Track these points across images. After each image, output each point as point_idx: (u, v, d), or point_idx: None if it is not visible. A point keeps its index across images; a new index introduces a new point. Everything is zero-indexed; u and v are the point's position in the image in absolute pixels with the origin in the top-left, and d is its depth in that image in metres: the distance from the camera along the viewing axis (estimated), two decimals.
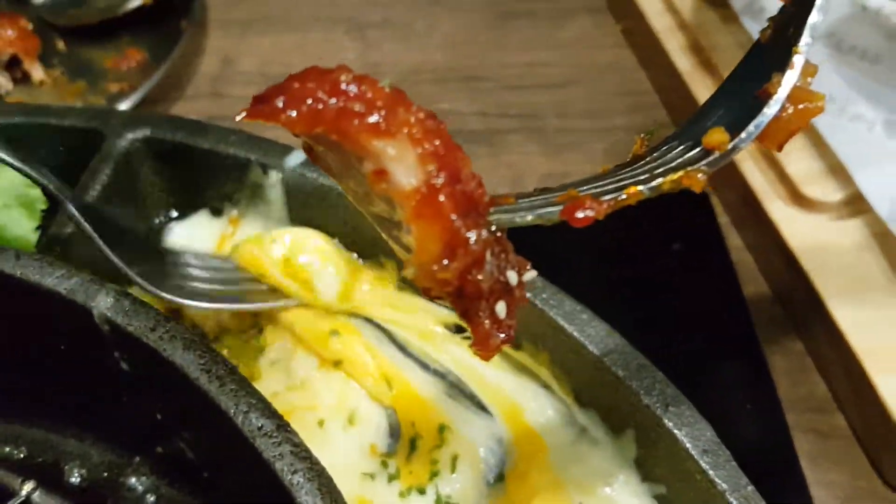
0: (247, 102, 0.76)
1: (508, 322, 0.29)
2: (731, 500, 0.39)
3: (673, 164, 0.31)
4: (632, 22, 0.79)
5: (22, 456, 0.46)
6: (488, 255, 0.28)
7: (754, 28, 0.71)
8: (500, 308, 0.29)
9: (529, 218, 0.29)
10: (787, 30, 0.33)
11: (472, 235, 0.27)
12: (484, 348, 0.29)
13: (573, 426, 0.47)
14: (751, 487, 0.40)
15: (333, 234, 0.55)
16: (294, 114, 0.26)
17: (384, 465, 0.46)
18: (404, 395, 0.49)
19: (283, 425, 0.33)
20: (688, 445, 0.41)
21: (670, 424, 0.41)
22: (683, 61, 0.73)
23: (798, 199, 0.62)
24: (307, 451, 0.32)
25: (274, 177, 0.53)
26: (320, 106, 0.26)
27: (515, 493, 0.45)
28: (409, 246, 0.27)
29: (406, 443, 0.47)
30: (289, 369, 0.50)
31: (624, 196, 0.30)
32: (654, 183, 0.30)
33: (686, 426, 0.41)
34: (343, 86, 0.26)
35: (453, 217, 0.27)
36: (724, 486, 0.39)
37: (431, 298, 0.30)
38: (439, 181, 0.27)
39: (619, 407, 0.44)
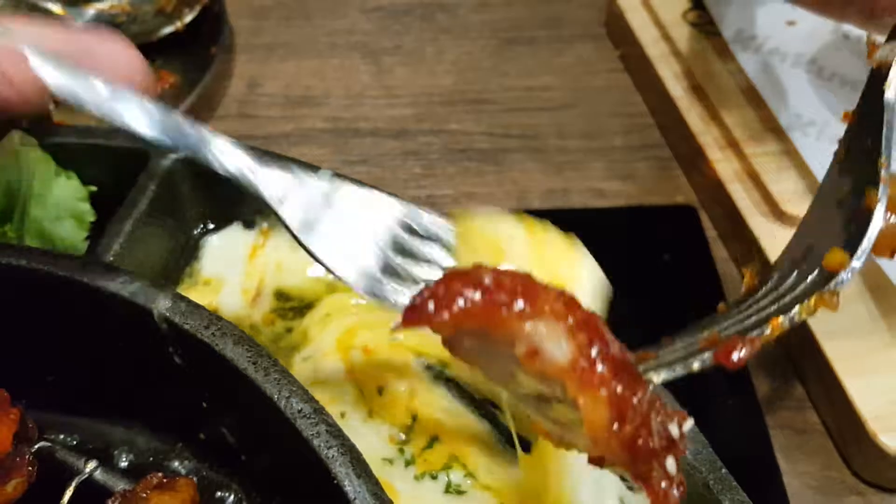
0: (271, 121, 0.83)
1: (680, 476, 0.30)
2: (708, 480, 0.45)
3: (798, 292, 0.34)
4: (629, 49, 0.85)
5: (74, 443, 0.52)
6: (653, 414, 0.29)
7: (743, 56, 0.77)
8: (671, 464, 0.30)
9: (694, 367, 0.32)
10: (864, 144, 0.36)
11: (636, 397, 0.28)
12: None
13: None
14: (724, 470, 0.45)
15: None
16: (446, 315, 0.27)
17: (401, 451, 0.52)
18: (430, 418, 0.54)
19: (319, 409, 0.39)
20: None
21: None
22: (676, 87, 0.78)
23: (780, 215, 0.67)
24: (340, 430, 0.38)
25: None
26: (469, 304, 0.27)
27: None
28: (559, 419, 0.29)
29: (426, 437, 0.53)
30: (317, 368, 0.56)
31: (769, 331, 0.33)
32: (793, 312, 0.33)
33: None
34: (485, 280, 0.27)
35: (615, 382, 0.28)
36: (702, 468, 0.45)
37: (602, 467, 0.31)
38: (594, 351, 0.28)
39: None
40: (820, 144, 0.70)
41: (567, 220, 0.74)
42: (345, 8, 0.90)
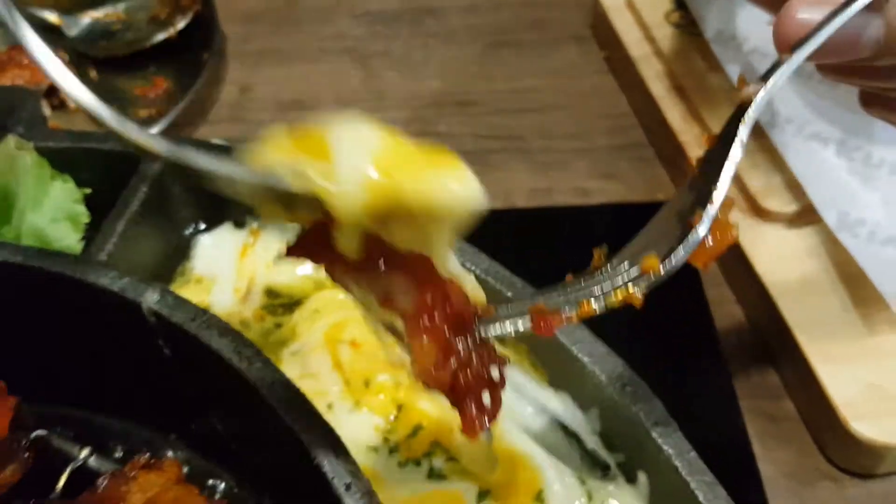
0: (263, 125, 0.84)
1: (493, 408, 0.36)
2: (676, 463, 0.46)
3: (618, 282, 0.38)
4: (613, 50, 0.87)
5: (70, 435, 0.53)
6: (474, 358, 0.35)
7: (724, 56, 0.78)
8: (486, 397, 0.36)
9: (514, 328, 0.37)
10: (710, 168, 0.38)
11: (461, 345, 0.35)
12: (470, 433, 0.36)
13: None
14: (693, 454, 0.47)
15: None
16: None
17: (386, 440, 0.53)
18: (414, 408, 0.56)
19: (300, 396, 0.40)
20: (641, 418, 0.48)
21: (627, 401, 0.49)
22: (658, 87, 0.80)
23: (757, 210, 0.69)
24: (319, 415, 0.40)
25: None
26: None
27: None
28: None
29: (410, 426, 0.54)
30: (305, 361, 0.57)
31: (577, 311, 0.37)
32: (602, 302, 0.37)
33: (641, 402, 0.49)
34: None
35: (445, 333, 0.35)
36: (671, 451, 0.47)
37: (428, 389, 0.37)
38: (431, 305, 0.34)
39: (585, 387, 0.51)
40: (797, 141, 0.71)
41: (551, 219, 0.77)
42: (334, 14, 0.92)
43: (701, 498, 0.46)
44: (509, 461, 0.49)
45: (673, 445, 0.47)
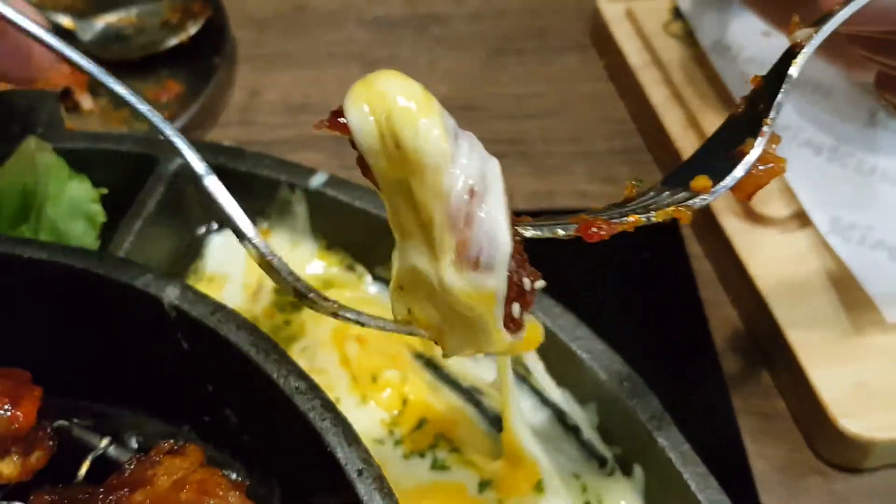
0: (272, 128, 0.86)
1: (521, 320, 0.35)
2: (670, 455, 0.49)
3: (665, 202, 0.38)
4: (612, 58, 0.89)
5: (89, 425, 0.56)
6: (511, 261, 0.34)
7: (720, 64, 0.81)
8: (516, 309, 0.35)
9: (558, 232, 0.36)
10: (758, 105, 0.40)
11: None
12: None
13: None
14: (687, 446, 0.49)
15: (349, 246, 0.65)
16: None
17: (391, 433, 0.56)
18: (419, 402, 0.58)
19: (314, 386, 0.42)
20: (637, 413, 0.50)
21: (624, 395, 0.51)
22: (656, 94, 0.82)
23: (751, 215, 0.71)
24: (333, 404, 0.42)
25: (299, 194, 0.63)
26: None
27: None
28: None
29: (414, 419, 0.57)
30: (313, 357, 0.60)
31: (630, 219, 0.36)
32: (651, 213, 0.36)
33: (637, 397, 0.51)
34: None
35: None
36: (665, 444, 0.49)
37: None
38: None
39: (584, 382, 0.53)
40: (791, 148, 0.74)
41: None
42: (342, 20, 0.94)
43: (693, 488, 0.48)
44: (510, 452, 0.51)
45: (667, 438, 0.49)
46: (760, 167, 0.38)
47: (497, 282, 0.33)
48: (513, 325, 0.35)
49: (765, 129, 0.39)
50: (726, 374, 0.65)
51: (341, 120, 0.34)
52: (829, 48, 0.48)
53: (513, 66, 0.90)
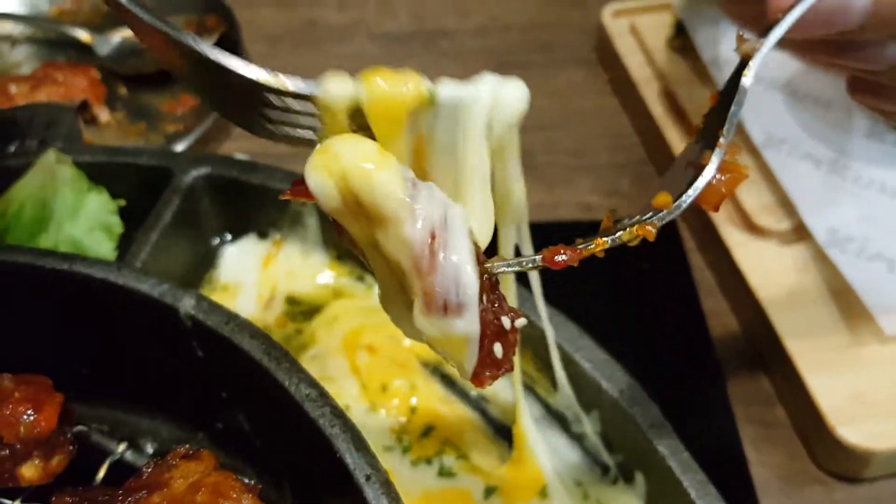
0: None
1: (506, 363, 0.35)
2: (670, 463, 0.50)
3: (626, 223, 0.39)
4: (616, 73, 0.91)
5: (106, 431, 0.57)
6: (483, 299, 0.34)
7: (720, 77, 0.82)
8: (497, 349, 0.35)
9: (527, 265, 0.37)
10: (717, 117, 0.42)
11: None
12: (477, 382, 0.35)
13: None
14: (686, 454, 0.50)
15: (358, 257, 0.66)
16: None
17: (399, 440, 0.57)
18: (427, 410, 0.60)
19: (324, 393, 0.44)
20: (639, 421, 0.52)
21: (625, 404, 0.52)
22: (658, 108, 0.84)
23: (751, 227, 0.73)
24: (342, 411, 0.43)
25: (311, 207, 0.65)
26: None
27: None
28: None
29: (422, 427, 0.58)
30: (324, 365, 0.61)
31: (592, 245, 0.37)
32: (616, 235, 0.38)
33: (637, 405, 0.52)
34: None
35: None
36: (665, 452, 0.50)
37: None
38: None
39: (586, 391, 0.55)
40: (791, 161, 0.75)
41: (556, 232, 0.81)
42: (352, 35, 0.96)
43: (693, 496, 0.49)
44: (516, 459, 0.53)
45: (667, 446, 0.51)
46: (721, 177, 0.39)
47: (466, 325, 0.33)
48: (492, 364, 0.35)
49: (721, 140, 0.40)
50: (727, 382, 0.66)
51: (306, 186, 0.34)
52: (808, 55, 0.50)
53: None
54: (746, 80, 0.42)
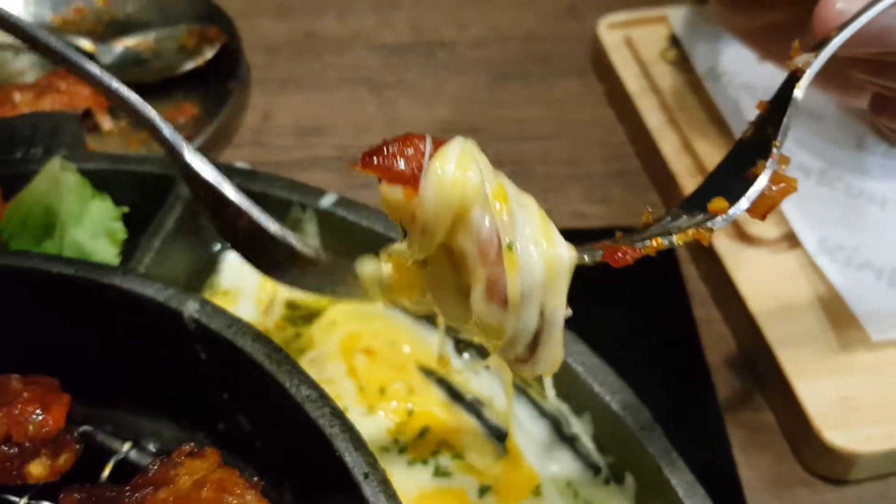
0: (283, 150, 0.90)
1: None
2: (659, 464, 0.51)
3: (685, 225, 0.40)
4: (611, 84, 0.92)
5: (110, 431, 0.59)
6: None
7: (715, 90, 0.84)
8: None
9: (585, 258, 0.38)
10: (766, 129, 0.43)
11: None
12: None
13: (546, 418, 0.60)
14: (675, 455, 0.52)
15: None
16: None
17: (396, 441, 0.59)
18: (424, 413, 0.61)
19: (324, 395, 0.45)
20: (629, 423, 0.53)
21: (616, 408, 0.54)
22: (653, 119, 0.85)
23: (742, 236, 0.74)
24: (341, 412, 0.45)
25: (310, 214, 0.66)
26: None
27: None
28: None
29: (418, 428, 0.59)
30: (322, 368, 0.63)
31: (651, 243, 0.38)
32: (672, 236, 0.38)
33: (628, 408, 0.54)
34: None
35: None
36: (654, 453, 0.52)
37: None
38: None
39: (579, 394, 0.56)
40: (782, 171, 0.76)
41: None
42: (352, 46, 0.98)
43: (681, 495, 0.51)
44: (510, 458, 0.54)
45: (657, 448, 0.52)
46: (773, 187, 0.41)
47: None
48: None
49: (774, 150, 0.41)
50: (718, 388, 0.68)
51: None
52: (823, 75, 0.51)
53: (515, 91, 0.94)
54: (799, 92, 0.43)
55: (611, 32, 0.93)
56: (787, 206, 0.73)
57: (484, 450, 0.57)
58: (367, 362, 0.62)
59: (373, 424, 0.59)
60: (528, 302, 0.35)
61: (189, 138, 0.83)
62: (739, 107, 0.83)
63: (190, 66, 0.91)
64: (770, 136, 0.42)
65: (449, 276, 0.38)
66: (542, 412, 0.60)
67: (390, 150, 0.35)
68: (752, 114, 0.81)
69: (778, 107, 0.44)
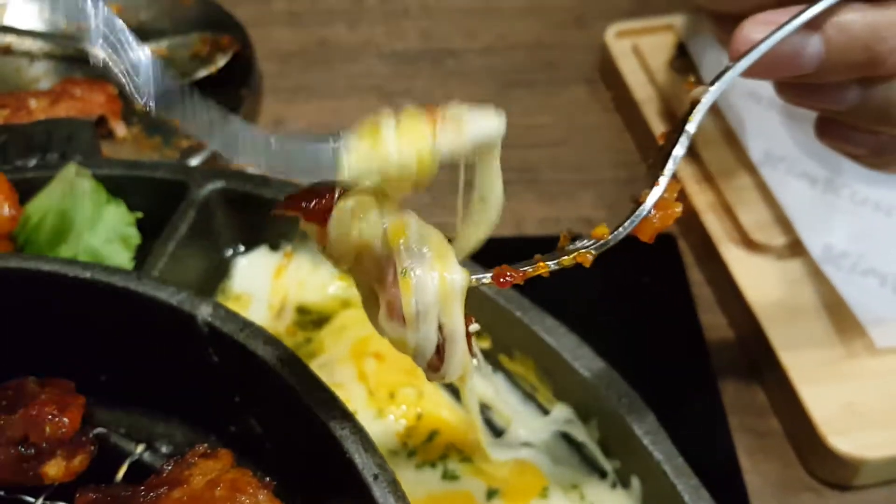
0: None
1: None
2: (665, 468, 0.52)
3: (569, 249, 0.43)
4: (619, 92, 0.93)
5: (123, 433, 0.59)
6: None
7: (720, 98, 0.84)
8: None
9: (477, 280, 0.41)
10: (662, 159, 0.45)
11: None
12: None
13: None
14: (680, 460, 0.52)
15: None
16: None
17: (405, 444, 0.59)
18: (432, 417, 0.62)
19: (334, 397, 0.46)
20: (635, 428, 0.54)
21: (623, 412, 0.54)
22: (659, 126, 0.86)
23: (748, 243, 0.75)
24: (351, 414, 0.46)
25: None
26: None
27: None
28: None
29: (427, 432, 0.60)
30: (332, 372, 0.63)
31: (531, 268, 0.42)
32: (557, 260, 0.42)
33: (634, 413, 0.54)
34: None
35: None
36: (660, 457, 0.52)
37: None
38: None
39: (586, 399, 0.57)
40: (788, 179, 0.77)
41: (555, 245, 0.83)
42: (362, 54, 0.99)
43: (686, 499, 0.51)
44: (517, 462, 0.55)
45: (662, 452, 0.53)
46: (656, 213, 0.43)
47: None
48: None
49: (660, 179, 0.43)
50: (723, 393, 0.68)
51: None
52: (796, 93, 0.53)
53: (523, 98, 0.94)
54: (691, 125, 0.45)
55: (618, 41, 0.94)
56: (793, 213, 0.73)
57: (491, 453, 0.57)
58: (376, 367, 0.63)
59: (382, 428, 0.60)
60: (425, 319, 0.40)
61: (201, 145, 0.85)
62: (744, 114, 0.83)
63: (203, 73, 0.92)
64: (661, 165, 0.44)
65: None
66: (549, 417, 0.60)
67: (307, 196, 0.40)
68: (756, 121, 0.83)
69: (673, 137, 0.45)
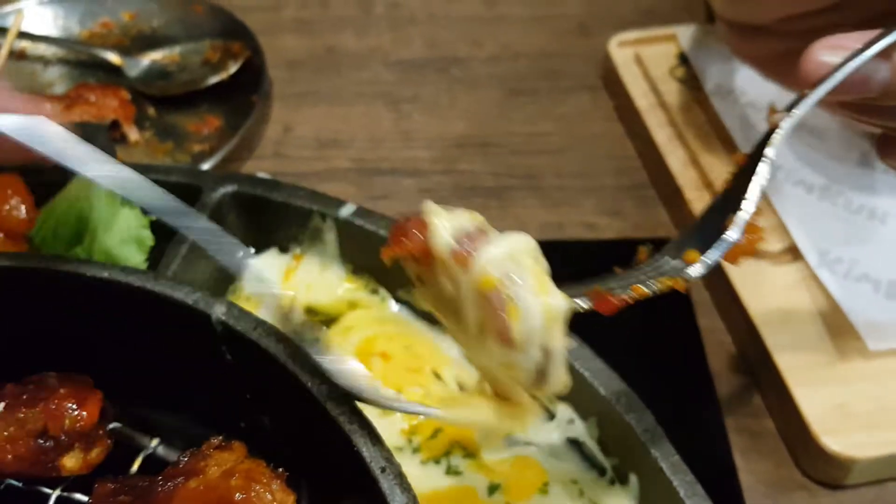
0: (303, 161, 0.93)
1: None
2: (662, 465, 0.54)
3: (664, 271, 0.45)
4: (621, 100, 0.95)
5: (136, 428, 0.61)
6: None
7: (722, 107, 0.87)
8: None
9: (576, 305, 0.44)
10: (742, 181, 0.47)
11: None
12: None
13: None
14: (677, 457, 0.54)
15: (373, 271, 0.71)
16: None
17: (410, 441, 0.61)
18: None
19: (343, 393, 0.48)
20: (633, 426, 0.56)
21: (621, 411, 0.56)
22: (660, 134, 0.88)
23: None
24: (360, 410, 0.48)
25: (330, 223, 0.69)
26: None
27: None
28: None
29: (430, 429, 0.62)
30: None
31: (631, 293, 0.44)
32: (653, 286, 0.44)
33: (633, 412, 0.56)
34: None
35: None
36: (657, 454, 0.54)
37: None
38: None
39: (585, 398, 0.59)
40: (785, 187, 0.79)
41: (562, 251, 0.85)
42: (369, 62, 1.01)
43: (682, 495, 0.53)
44: (519, 459, 0.57)
45: (659, 449, 0.55)
46: (744, 237, 0.45)
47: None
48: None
49: (744, 205, 0.45)
50: (719, 395, 0.70)
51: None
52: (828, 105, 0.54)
53: (527, 106, 0.96)
54: (771, 151, 0.46)
55: (621, 50, 0.96)
56: (790, 220, 0.75)
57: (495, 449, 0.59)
58: (382, 366, 0.65)
59: (388, 425, 0.62)
60: (531, 342, 0.42)
61: (213, 149, 0.87)
62: (745, 123, 0.85)
63: (214, 79, 0.94)
64: (743, 190, 0.46)
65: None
66: (550, 416, 0.62)
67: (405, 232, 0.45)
68: (756, 130, 0.85)
69: (752, 162, 0.47)
